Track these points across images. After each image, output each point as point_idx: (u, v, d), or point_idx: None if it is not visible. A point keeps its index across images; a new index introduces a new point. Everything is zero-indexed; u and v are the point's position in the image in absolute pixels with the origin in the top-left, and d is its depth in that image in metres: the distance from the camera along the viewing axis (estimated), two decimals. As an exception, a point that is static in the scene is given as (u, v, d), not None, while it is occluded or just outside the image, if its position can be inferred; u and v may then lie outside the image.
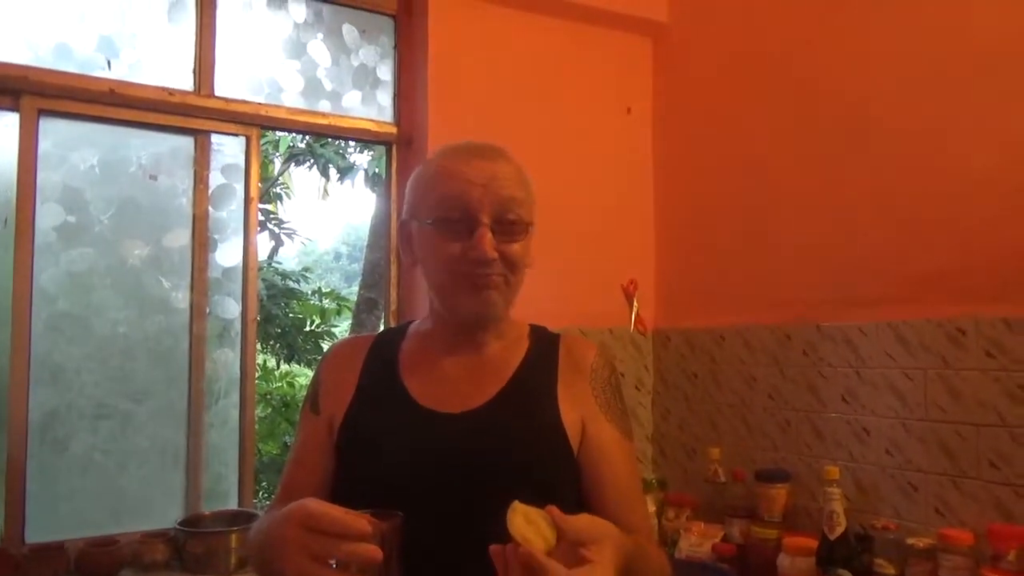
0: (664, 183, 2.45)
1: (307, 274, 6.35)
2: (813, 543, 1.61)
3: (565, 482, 1.02)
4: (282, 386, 6.26)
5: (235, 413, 2.01)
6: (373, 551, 0.72)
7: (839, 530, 1.58)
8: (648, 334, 2.39)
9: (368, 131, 2.22)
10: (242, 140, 2.06)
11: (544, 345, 1.09)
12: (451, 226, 0.96)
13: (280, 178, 5.52)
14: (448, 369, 1.04)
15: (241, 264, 2.05)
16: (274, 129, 2.27)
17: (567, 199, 2.23)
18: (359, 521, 0.73)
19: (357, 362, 1.06)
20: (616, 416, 1.07)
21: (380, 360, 1.06)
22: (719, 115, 2.24)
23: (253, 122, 2.05)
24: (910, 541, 1.56)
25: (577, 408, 1.04)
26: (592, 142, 2.34)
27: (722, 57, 2.25)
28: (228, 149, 2.08)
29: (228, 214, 2.07)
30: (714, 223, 2.25)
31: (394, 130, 2.22)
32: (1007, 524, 1.47)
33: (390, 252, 2.18)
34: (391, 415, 1.00)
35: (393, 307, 2.15)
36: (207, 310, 1.99)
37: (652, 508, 2.06)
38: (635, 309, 2.32)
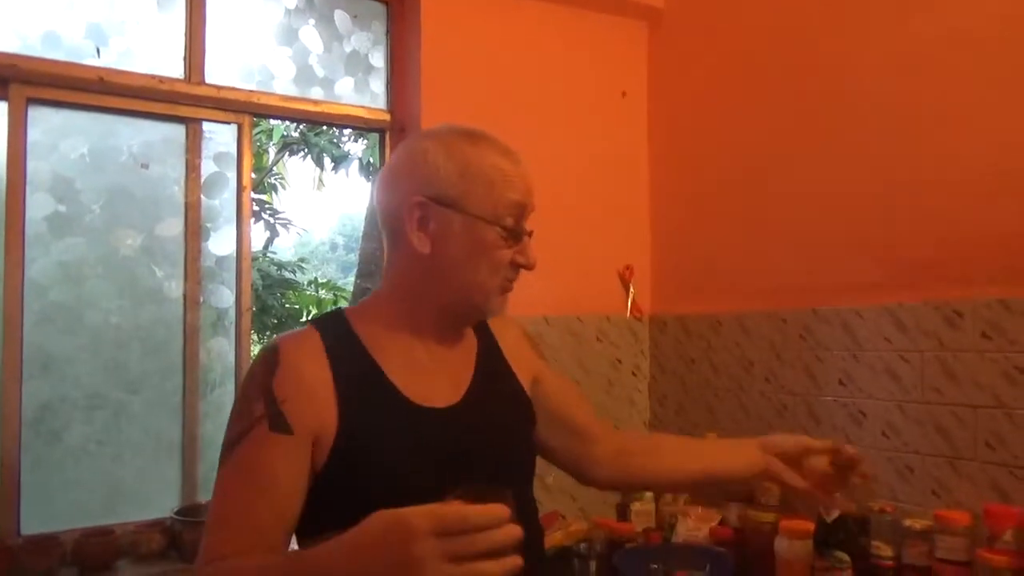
0: (659, 168, 2.44)
1: (303, 264, 6.34)
2: (810, 526, 1.60)
3: (532, 446, 1.15)
4: (279, 377, 6.28)
5: (230, 402, 2.00)
6: (516, 529, 0.71)
7: (836, 513, 1.58)
8: (644, 320, 2.39)
9: (361, 118, 2.20)
10: (234, 128, 2.04)
11: (481, 330, 1.14)
12: (506, 232, 0.98)
13: (275, 168, 5.50)
14: (427, 362, 1.03)
15: (235, 253, 2.04)
16: (266, 116, 2.25)
17: (562, 185, 2.22)
18: (495, 508, 0.71)
19: (320, 366, 0.95)
20: (546, 359, 1.23)
21: (349, 358, 0.98)
22: (715, 100, 2.23)
23: (244, 109, 2.03)
24: (907, 523, 1.56)
25: (525, 375, 1.15)
26: (587, 127, 2.32)
27: (718, 42, 2.23)
28: (220, 137, 2.06)
29: (221, 203, 2.05)
30: (710, 208, 2.24)
31: (387, 117, 2.21)
32: (1003, 505, 1.47)
33: (382, 239, 2.16)
34: (387, 416, 0.97)
35: (388, 295, 2.14)
36: (200, 299, 1.98)
37: (649, 494, 2.07)
38: (631, 295, 2.31)
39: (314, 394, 0.93)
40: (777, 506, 1.82)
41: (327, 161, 4.95)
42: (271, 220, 5.09)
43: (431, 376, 1.02)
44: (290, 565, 0.83)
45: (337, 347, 0.98)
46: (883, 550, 1.58)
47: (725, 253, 2.17)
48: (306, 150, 4.98)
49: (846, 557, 1.54)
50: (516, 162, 1.02)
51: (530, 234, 1.02)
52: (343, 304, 6.52)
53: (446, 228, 0.97)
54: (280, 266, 5.52)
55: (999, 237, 1.55)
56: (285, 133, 4.97)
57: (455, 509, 0.71)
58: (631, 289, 2.31)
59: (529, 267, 1.01)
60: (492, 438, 1.03)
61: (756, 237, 2.07)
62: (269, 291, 5.23)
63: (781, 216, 2.00)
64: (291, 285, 5.58)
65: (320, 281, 6.57)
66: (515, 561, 0.71)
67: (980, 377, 1.55)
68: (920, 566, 1.52)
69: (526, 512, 1.08)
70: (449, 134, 1.02)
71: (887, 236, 1.75)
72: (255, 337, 5.67)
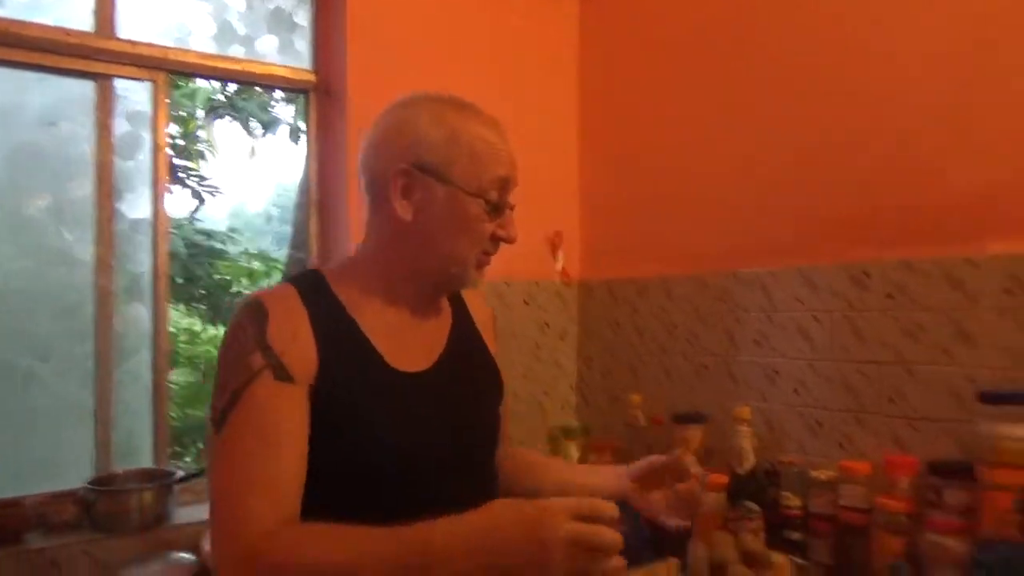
0: (588, 135, 2.45)
1: (234, 235, 6.15)
2: (724, 479, 1.67)
3: (498, 416, 1.14)
4: (210, 349, 6.11)
5: (148, 371, 1.95)
6: (623, 565, 0.77)
7: (748, 466, 1.65)
8: (573, 285, 2.42)
9: (284, 78, 2.14)
10: (148, 85, 1.96)
11: (457, 303, 1.15)
12: (490, 205, 0.99)
13: (201, 133, 5.30)
14: (401, 328, 1.03)
15: (151, 216, 1.97)
16: (183, 74, 2.17)
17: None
18: (613, 506, 0.77)
19: (302, 318, 0.94)
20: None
21: (328, 316, 0.96)
22: (643, 68, 2.25)
23: (159, 66, 1.95)
24: (813, 474, 1.63)
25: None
26: (515, 92, 2.31)
27: (647, 11, 2.25)
28: (134, 95, 1.97)
29: (136, 164, 1.97)
30: (637, 174, 2.27)
31: (312, 78, 2.15)
32: (901, 455, 1.55)
33: (309, 206, 2.13)
34: (366, 376, 0.96)
35: (315, 260, 2.10)
36: (112, 263, 1.90)
37: (576, 454, 2.11)
38: (560, 261, 2.33)
39: (298, 346, 0.92)
40: (695, 461, 1.88)
41: (256, 126, 4.80)
42: (197, 187, 4.92)
43: (404, 341, 1.02)
44: (403, 540, 0.80)
45: (316, 305, 0.96)
46: (791, 500, 1.65)
47: (651, 219, 2.21)
48: (233, 114, 4.82)
49: (756, 507, 1.61)
50: (502, 135, 1.03)
51: (512, 208, 1.03)
52: (276, 276, 6.39)
53: (429, 198, 0.97)
54: (208, 235, 5.35)
55: (904, 201, 1.61)
56: (211, 96, 4.79)
57: (589, 501, 0.77)
58: (560, 255, 2.33)
59: (510, 241, 1.02)
60: (460, 406, 1.05)
61: (680, 203, 2.11)
62: (196, 260, 5.07)
63: (704, 183, 2.04)
64: (220, 255, 5.42)
65: (252, 252, 6.40)
66: (623, 560, 0.77)
67: (884, 335, 1.63)
68: (825, 514, 1.60)
69: (490, 482, 1.11)
70: (437, 102, 1.02)
71: (801, 200, 1.80)
72: (182, 308, 5.50)
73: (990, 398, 1.39)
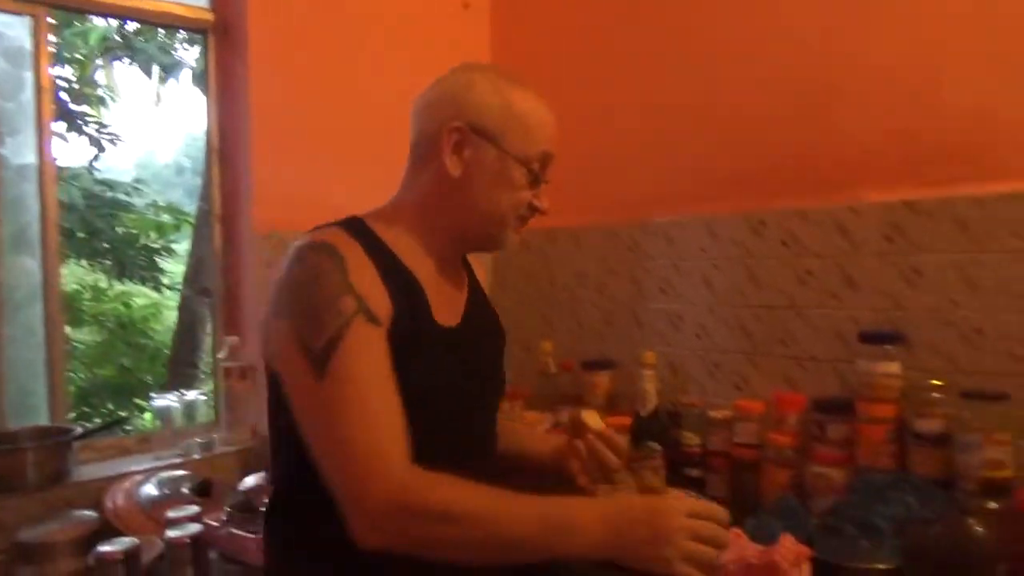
0: (502, 84, 2.43)
1: (140, 186, 5.87)
2: (627, 421, 1.73)
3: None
4: (117, 307, 5.87)
5: (40, 324, 1.86)
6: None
7: (650, 407, 1.72)
8: (487, 236, 2.42)
9: (179, 16, 2.02)
10: (27, 20, 1.82)
11: (465, 263, 1.22)
12: (532, 175, 1.06)
13: (100, 77, 4.98)
14: (442, 282, 1.09)
15: (36, 162, 1.85)
16: (66, 9, 2.02)
17: (400, 99, 2.16)
18: (722, 508, 0.91)
19: (371, 265, 0.95)
20: None
21: (390, 265, 0.99)
22: (556, 13, 2.24)
23: (39, 0, 1.82)
24: (711, 414, 1.72)
25: None
26: (426, 39, 2.26)
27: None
28: (12, 31, 1.84)
29: (18, 106, 1.85)
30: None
31: (210, 16, 2.04)
32: (790, 393, 1.65)
33: (210, 154, 2.04)
34: (421, 327, 0.99)
35: (218, 212, 2.03)
36: (-4, 211, 1.79)
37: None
38: (473, 211, 2.33)
39: (380, 292, 0.94)
40: (604, 406, 1.95)
41: (156, 70, 4.54)
42: (96, 134, 4.64)
43: (442, 296, 1.07)
44: (545, 509, 0.88)
45: (377, 253, 0.98)
46: (691, 439, 1.74)
47: (562, 170, 2.21)
48: (131, 56, 4.54)
49: (658, 447, 1.67)
50: (551, 113, 1.10)
51: (547, 182, 1.11)
52: (186, 229, 6.15)
53: (480, 157, 1.03)
54: (110, 186, 5.08)
55: (798, 153, 1.68)
56: (106, 36, 4.49)
57: (705, 504, 0.90)
58: (473, 205, 2.32)
59: (544, 211, 1.10)
60: (483, 360, 1.12)
61: (590, 155, 2.13)
62: (97, 212, 4.82)
63: (612, 135, 2.07)
64: (125, 207, 5.17)
65: (160, 204, 6.14)
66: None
67: (778, 281, 1.71)
68: (721, 451, 1.69)
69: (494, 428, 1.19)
70: (496, 72, 1.09)
71: (705, 152, 1.85)
72: (85, 264, 5.24)
73: (867, 338, 1.49)
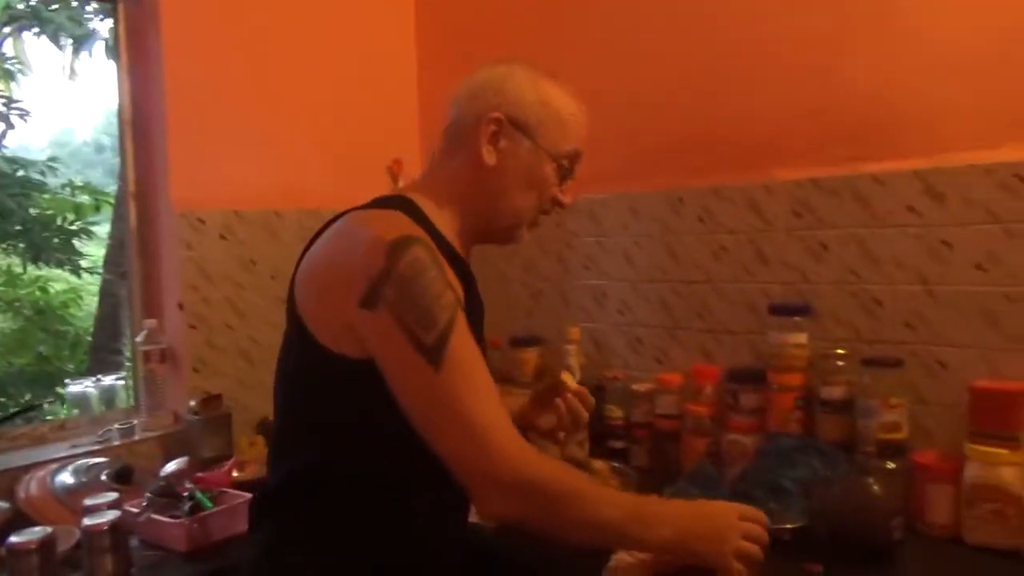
0: (428, 58, 2.41)
1: (55, 164, 5.59)
2: (553, 396, 1.76)
3: None
4: (33, 292, 5.61)
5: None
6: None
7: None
8: (415, 215, 2.41)
9: (87, -14, 1.94)
10: (-83, -12, 1.72)
11: None
12: (562, 170, 1.10)
13: (7, 49, 4.71)
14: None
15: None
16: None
17: (326, 76, 2.14)
18: (766, 534, 1.00)
19: (440, 255, 0.98)
20: None
21: (450, 255, 1.02)
22: (479, -8, 2.23)
23: (-70, -34, 1.71)
24: (634, 387, 1.77)
25: None
26: (351, 17, 2.23)
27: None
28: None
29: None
30: (476, 103, 2.26)
31: (119, -16, 1.96)
32: (706, 364, 1.71)
33: (124, 127, 1.97)
34: (471, 315, 1.00)
35: (132, 189, 1.96)
36: None
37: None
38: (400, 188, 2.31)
39: (457, 286, 0.98)
40: (531, 381, 1.98)
41: (68, 42, 4.30)
42: (5, 110, 4.39)
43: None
44: (632, 500, 1.02)
45: (434, 237, 1.00)
46: (615, 412, 1.79)
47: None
48: (39, 26, 4.29)
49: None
50: (585, 113, 1.13)
51: (575, 179, 1.15)
52: (106, 210, 5.91)
53: (515, 149, 1.06)
54: (22, 164, 4.82)
55: (712, 132, 1.73)
56: (9, 5, 4.23)
57: (754, 510, 1.02)
58: (399, 182, 2.31)
59: (566, 206, 1.14)
60: (480, 339, 1.12)
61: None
62: (7, 192, 4.57)
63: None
64: (38, 187, 4.92)
65: (78, 184, 5.87)
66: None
67: (695, 256, 1.76)
68: (643, 423, 1.74)
69: None
70: (534, 68, 1.12)
71: (626, 131, 1.88)
72: (-6, 246, 4.97)
73: (777, 310, 1.56)
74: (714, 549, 0.96)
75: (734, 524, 0.98)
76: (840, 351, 1.50)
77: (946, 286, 1.41)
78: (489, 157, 1.06)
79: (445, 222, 1.07)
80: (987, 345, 1.37)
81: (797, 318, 1.53)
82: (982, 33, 1.37)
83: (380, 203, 1.05)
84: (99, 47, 4.47)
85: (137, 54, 1.93)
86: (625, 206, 1.89)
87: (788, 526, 1.26)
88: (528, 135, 1.07)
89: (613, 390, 1.81)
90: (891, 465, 1.35)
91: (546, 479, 0.93)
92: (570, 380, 1.27)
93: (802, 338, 1.51)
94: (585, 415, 1.25)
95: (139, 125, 1.94)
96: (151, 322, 1.86)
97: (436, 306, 0.91)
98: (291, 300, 1.02)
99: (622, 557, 1.17)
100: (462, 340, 0.93)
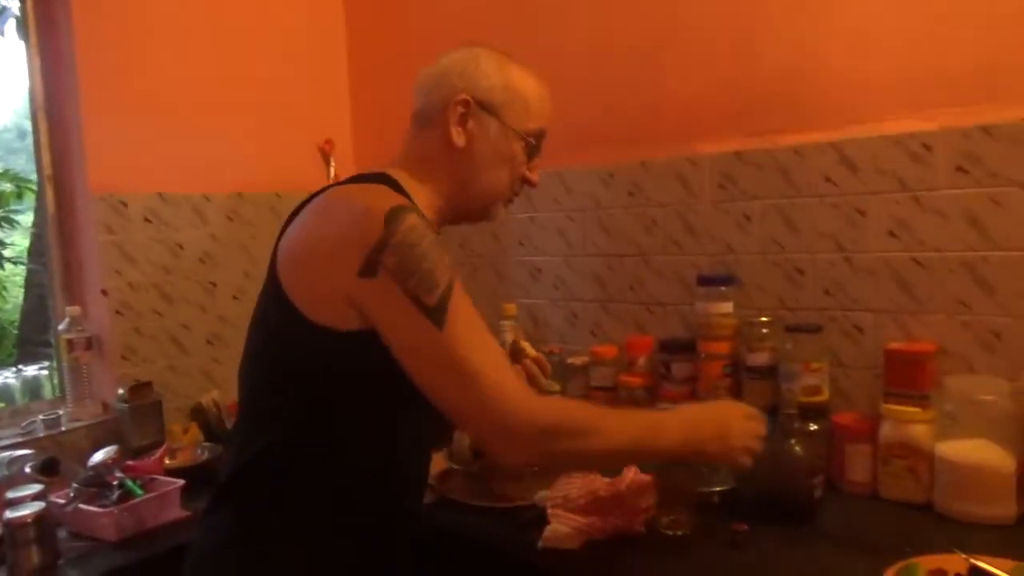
0: (357, 37, 2.38)
1: (-29, 151, 5.33)
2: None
3: None
4: (-44, 283, 5.37)
5: None
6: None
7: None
8: (350, 195, 2.38)
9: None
10: None
11: None
12: (530, 148, 1.13)
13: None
14: None
15: None
16: None
17: (255, 55, 2.09)
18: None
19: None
20: None
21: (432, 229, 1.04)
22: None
23: None
24: (570, 360, 1.79)
25: None
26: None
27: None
28: None
29: None
30: (409, 79, 2.23)
31: (26, -42, 1.87)
32: (639, 336, 1.74)
33: (36, 110, 1.88)
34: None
35: (48, 172, 1.88)
36: None
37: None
38: (332, 169, 2.28)
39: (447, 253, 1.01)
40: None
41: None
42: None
43: None
44: (638, 418, 1.11)
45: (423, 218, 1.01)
46: (552, 386, 1.78)
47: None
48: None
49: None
50: (548, 91, 1.17)
51: (540, 156, 1.18)
52: (29, 197, 5.68)
53: (483, 130, 1.09)
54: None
55: (639, 108, 1.75)
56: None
57: (751, 408, 1.16)
58: (332, 163, 2.27)
59: (534, 184, 1.19)
60: None
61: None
62: (-82, 180, 4.34)
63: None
64: (-46, 175, 4.69)
65: (-3, 171, 5.61)
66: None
67: (627, 230, 1.79)
68: (580, 395, 1.77)
69: None
70: (499, 53, 1.15)
71: (556, 106, 1.87)
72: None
73: (704, 281, 1.60)
74: (724, 448, 1.09)
75: (739, 424, 1.11)
76: (764, 319, 1.54)
77: (862, 253, 1.47)
78: (459, 138, 1.08)
79: (423, 199, 1.08)
80: (899, 309, 1.43)
81: (723, 288, 1.57)
82: (891, 9, 1.42)
83: (362, 179, 1.07)
84: (12, 25, 4.25)
85: (48, 33, 1.85)
86: (557, 182, 1.90)
87: (716, 489, 1.30)
88: (495, 115, 1.10)
89: (551, 365, 1.82)
90: (813, 427, 1.40)
91: (560, 421, 0.97)
92: (528, 347, 1.31)
93: (728, 307, 1.55)
94: (544, 380, 1.30)
95: (53, 107, 1.86)
96: (74, 309, 1.80)
97: (436, 269, 0.93)
98: (273, 279, 0.99)
99: (556, 527, 1.20)
100: (462, 300, 0.95)
